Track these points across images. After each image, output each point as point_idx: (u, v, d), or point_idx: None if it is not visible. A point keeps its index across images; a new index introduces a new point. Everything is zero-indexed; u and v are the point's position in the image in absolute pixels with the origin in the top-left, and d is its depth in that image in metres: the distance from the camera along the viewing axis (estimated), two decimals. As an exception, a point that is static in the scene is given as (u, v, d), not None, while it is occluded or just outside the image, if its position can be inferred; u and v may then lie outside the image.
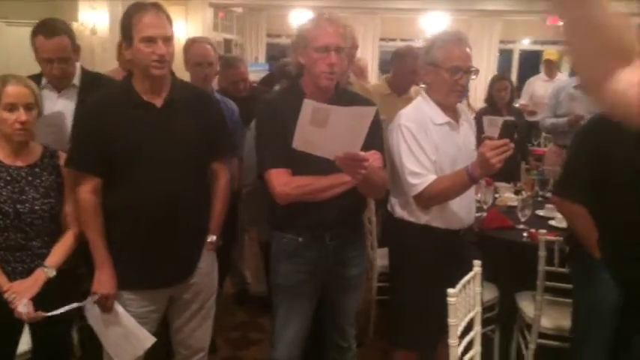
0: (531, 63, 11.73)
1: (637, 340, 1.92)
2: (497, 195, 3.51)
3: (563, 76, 5.53)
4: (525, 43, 12.28)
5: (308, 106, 1.60)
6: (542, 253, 2.59)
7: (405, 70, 3.46)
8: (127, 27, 1.91)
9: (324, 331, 2.28)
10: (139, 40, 1.88)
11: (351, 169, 1.75)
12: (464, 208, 2.19)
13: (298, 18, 9.64)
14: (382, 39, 11.53)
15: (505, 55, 12.74)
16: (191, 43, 2.89)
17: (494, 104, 4.26)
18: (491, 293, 2.91)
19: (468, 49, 2.10)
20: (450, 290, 1.81)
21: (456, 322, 1.84)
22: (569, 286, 2.46)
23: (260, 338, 3.25)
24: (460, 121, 2.20)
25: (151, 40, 1.87)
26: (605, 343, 2.26)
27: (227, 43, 11.23)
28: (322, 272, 2.08)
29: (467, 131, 2.24)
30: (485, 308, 2.88)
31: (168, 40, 1.91)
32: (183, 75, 2.45)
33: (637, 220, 2.13)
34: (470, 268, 2.02)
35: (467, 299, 1.97)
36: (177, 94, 2.00)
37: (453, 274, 1.94)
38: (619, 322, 2.20)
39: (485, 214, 3.12)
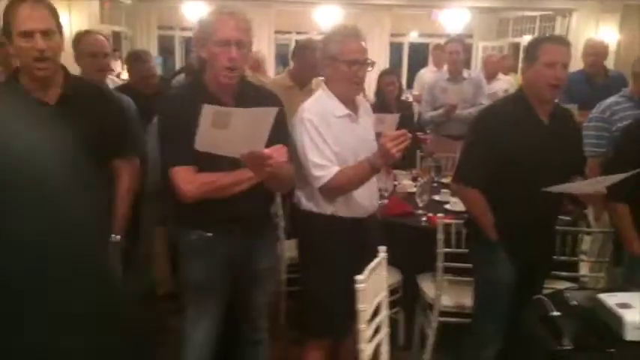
0: (421, 55, 12.27)
1: (527, 310, 2.08)
2: (396, 183, 3.65)
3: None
4: (414, 36, 12.83)
5: (208, 111, 1.58)
6: (440, 236, 2.73)
7: (306, 62, 3.49)
8: (6, 22, 1.79)
9: (236, 324, 2.26)
10: (17, 34, 1.77)
11: (255, 166, 1.75)
12: (367, 197, 2.26)
13: (191, 10, 9.40)
14: (277, 31, 11.54)
15: (396, 48, 13.20)
16: (82, 35, 2.75)
17: (383, 98, 4.37)
18: (395, 277, 3.03)
19: (363, 43, 2.16)
20: (358, 277, 1.87)
21: (365, 308, 1.91)
22: (468, 265, 2.62)
23: (168, 340, 3.16)
24: (360, 113, 2.26)
25: (27, 35, 1.76)
26: (502, 316, 2.45)
27: (116, 35, 10.70)
28: (233, 267, 2.07)
29: (366, 123, 2.31)
30: (390, 292, 3.00)
31: (47, 33, 1.79)
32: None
33: (528, 201, 2.31)
34: (376, 255, 2.09)
35: (374, 285, 2.05)
36: (72, 91, 1.89)
37: (361, 261, 2.00)
38: (514, 297, 2.39)
39: (386, 201, 3.24)
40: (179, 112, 1.87)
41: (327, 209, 2.21)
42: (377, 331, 2.13)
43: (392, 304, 3.04)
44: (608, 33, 10.45)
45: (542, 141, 2.33)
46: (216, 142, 1.66)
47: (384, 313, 2.15)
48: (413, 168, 4.09)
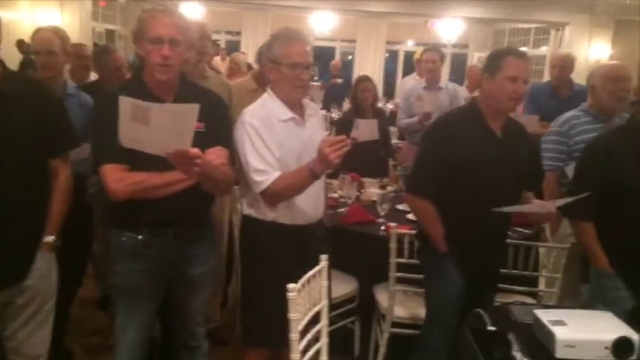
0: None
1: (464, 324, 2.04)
2: (363, 190, 3.62)
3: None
4: (410, 45, 12.83)
5: (126, 103, 1.55)
6: (393, 245, 2.70)
7: None
8: None
9: (173, 330, 2.22)
10: None
11: (182, 165, 1.71)
12: (310, 204, 2.22)
13: (186, 9, 9.40)
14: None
15: (392, 56, 13.21)
16: (35, 32, 2.71)
17: (358, 104, 4.34)
18: (351, 286, 2.99)
19: (308, 47, 2.13)
20: (290, 285, 1.83)
21: (297, 317, 1.87)
22: (422, 276, 2.58)
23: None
24: (306, 117, 2.22)
25: None
26: (449, 329, 2.41)
27: (109, 34, 10.72)
28: (165, 271, 2.03)
29: (314, 126, 2.27)
30: (346, 300, 2.97)
31: None
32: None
33: (479, 214, 2.28)
34: (317, 263, 2.06)
35: (311, 293, 2.01)
36: (7, 86, 1.85)
37: (302, 269, 1.97)
38: (463, 307, 2.35)
39: (348, 209, 3.20)
40: (111, 109, 1.82)
41: (268, 215, 2.17)
42: (317, 340, 2.10)
43: (348, 314, 3.02)
44: (601, 47, 10.45)
45: (494, 153, 2.30)
46: (139, 137, 1.62)
47: (324, 323, 2.11)
48: (384, 176, 4.05)
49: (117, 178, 1.85)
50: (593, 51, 10.34)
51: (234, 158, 2.10)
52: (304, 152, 2.14)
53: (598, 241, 2.31)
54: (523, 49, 10.88)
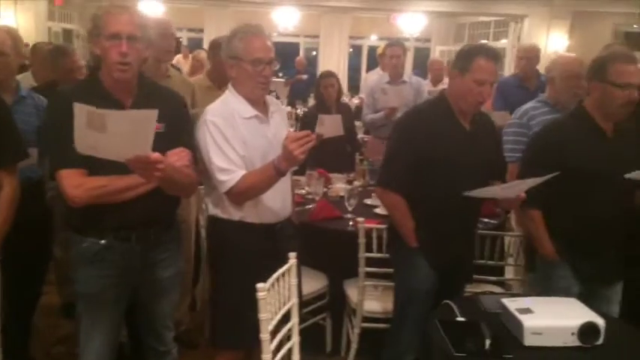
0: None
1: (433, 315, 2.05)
2: (330, 186, 3.61)
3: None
4: (373, 39, 12.89)
5: (80, 110, 1.50)
6: (361, 240, 2.70)
7: (222, 61, 3.38)
8: None
9: (141, 335, 2.17)
10: None
11: (144, 171, 1.66)
12: (278, 201, 2.19)
13: (146, 7, 9.21)
14: (235, 33, 11.40)
15: (356, 51, 13.25)
16: None
17: (322, 101, 4.32)
18: (321, 282, 2.98)
19: (269, 42, 2.10)
20: (259, 285, 1.81)
21: (268, 317, 1.85)
22: (391, 270, 2.58)
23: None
24: (270, 114, 2.19)
25: None
26: (419, 323, 2.41)
27: (67, 33, 10.44)
28: (130, 276, 1.97)
29: (278, 123, 2.23)
30: (316, 297, 2.96)
31: None
32: None
33: (449, 206, 2.29)
34: (287, 261, 2.03)
35: (281, 292, 1.99)
36: None
37: (271, 268, 1.94)
38: (433, 303, 2.36)
39: (315, 205, 3.19)
40: (66, 111, 1.74)
41: (235, 215, 2.13)
42: (288, 339, 2.08)
43: (319, 310, 3.01)
44: (559, 38, 10.69)
45: (462, 146, 2.31)
46: (96, 144, 1.56)
47: (294, 322, 2.09)
48: (351, 172, 4.05)
49: (75, 184, 1.79)
50: (551, 42, 10.56)
51: (197, 158, 2.06)
52: (269, 150, 2.11)
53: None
54: (483, 41, 11.07)
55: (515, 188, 2.23)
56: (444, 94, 2.42)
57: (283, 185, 2.18)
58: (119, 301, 2.00)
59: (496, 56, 2.28)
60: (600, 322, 1.77)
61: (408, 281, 2.44)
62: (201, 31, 12.00)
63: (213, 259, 2.28)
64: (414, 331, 2.42)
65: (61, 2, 9.86)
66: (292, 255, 2.07)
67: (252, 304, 1.82)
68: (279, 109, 2.31)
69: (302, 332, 2.12)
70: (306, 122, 4.25)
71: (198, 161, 2.07)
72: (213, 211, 2.17)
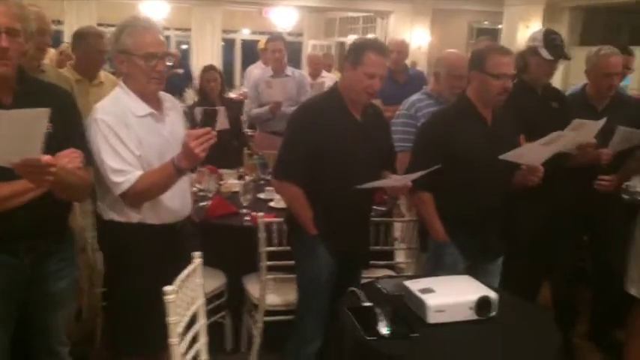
0: (255, 52, 12.31)
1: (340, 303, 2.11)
2: (222, 182, 3.55)
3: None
4: (245, 33, 12.82)
5: None
6: (261, 234, 2.69)
7: (88, 51, 3.19)
8: None
9: (34, 353, 2.00)
10: None
11: (34, 176, 1.53)
12: (177, 201, 2.12)
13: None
14: (100, 24, 10.76)
15: (228, 45, 13.09)
16: None
17: (205, 95, 4.26)
18: (219, 280, 2.94)
19: (161, 36, 2.02)
20: (167, 288, 1.74)
21: (177, 320, 1.79)
22: (292, 262, 2.61)
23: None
24: (165, 111, 2.11)
25: None
26: (322, 312, 2.48)
27: None
28: (19, 292, 1.80)
29: (174, 120, 2.16)
30: (215, 296, 2.91)
31: None
32: None
33: (343, 195, 2.36)
34: (190, 261, 1.98)
35: (188, 294, 1.93)
36: None
37: (174, 269, 1.87)
38: (333, 292, 2.43)
39: (210, 202, 3.13)
40: None
41: (133, 217, 2.03)
42: (196, 340, 2.03)
43: (217, 309, 2.96)
44: (421, 34, 11.39)
45: (354, 137, 2.40)
46: None
47: (202, 322, 2.04)
48: (240, 166, 4.01)
49: None
50: (414, 37, 11.23)
51: (90, 159, 1.93)
52: (166, 148, 2.03)
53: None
54: (352, 36, 11.48)
55: (402, 180, 2.37)
56: (337, 86, 2.49)
57: (182, 184, 2.11)
58: (6, 318, 1.81)
59: (384, 51, 2.38)
60: (493, 295, 1.93)
61: (310, 270, 2.49)
62: (60, 23, 11.15)
63: (111, 264, 2.16)
64: (318, 318, 2.48)
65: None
66: (197, 254, 2.01)
67: (156, 308, 1.75)
68: (175, 107, 2.24)
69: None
70: (190, 118, 4.13)
71: (91, 162, 1.94)
72: (109, 215, 2.05)
